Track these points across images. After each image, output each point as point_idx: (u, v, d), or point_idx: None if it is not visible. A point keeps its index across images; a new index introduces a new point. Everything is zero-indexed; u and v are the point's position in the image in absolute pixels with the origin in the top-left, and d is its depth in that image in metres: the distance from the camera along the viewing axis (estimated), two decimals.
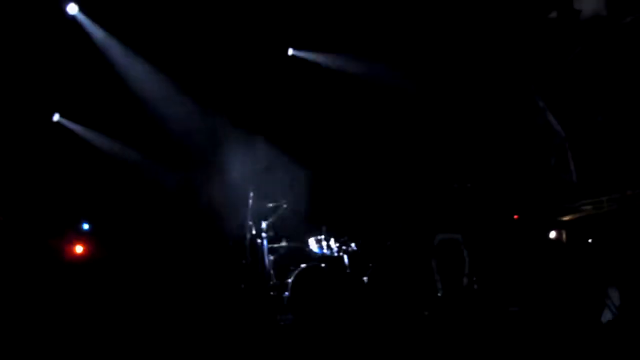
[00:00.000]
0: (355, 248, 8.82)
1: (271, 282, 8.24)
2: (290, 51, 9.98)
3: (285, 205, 8.70)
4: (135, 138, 9.06)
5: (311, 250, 8.70)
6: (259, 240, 8.31)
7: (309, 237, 8.74)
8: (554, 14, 8.56)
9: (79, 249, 8.63)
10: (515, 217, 9.08)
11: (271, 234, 8.56)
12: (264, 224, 8.35)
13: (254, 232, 8.35)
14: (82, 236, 8.73)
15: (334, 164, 9.86)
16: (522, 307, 8.16)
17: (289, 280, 8.06)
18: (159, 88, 8.89)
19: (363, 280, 8.59)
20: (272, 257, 8.42)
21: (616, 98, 8.56)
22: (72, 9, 8.52)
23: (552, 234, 8.92)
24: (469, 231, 9.10)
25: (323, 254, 8.68)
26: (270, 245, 8.44)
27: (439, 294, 8.79)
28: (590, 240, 8.66)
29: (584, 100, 8.72)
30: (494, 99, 9.24)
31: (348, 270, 8.62)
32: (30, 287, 8.12)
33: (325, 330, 7.83)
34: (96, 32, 8.53)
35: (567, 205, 8.78)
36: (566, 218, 8.93)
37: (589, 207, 8.70)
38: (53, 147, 8.60)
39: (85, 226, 8.82)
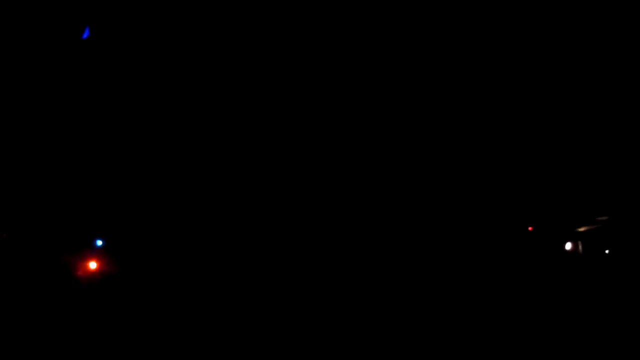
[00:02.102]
0: None
1: None
2: None
3: None
4: None
5: None
6: None
7: None
8: None
9: (92, 265, 8.40)
10: (530, 228, 9.18)
11: None
12: None
13: None
14: (95, 252, 8.49)
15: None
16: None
17: None
18: None
19: None
20: None
21: None
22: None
23: (568, 246, 9.07)
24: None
25: None
26: None
27: None
28: (607, 252, 8.87)
29: None
30: (506, 103, 9.31)
31: None
32: (42, 304, 7.95)
33: None
34: None
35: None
36: (582, 229, 9.10)
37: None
38: (66, 162, 8.36)
39: (99, 242, 8.58)
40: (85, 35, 8.53)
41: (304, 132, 9.47)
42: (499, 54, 9.30)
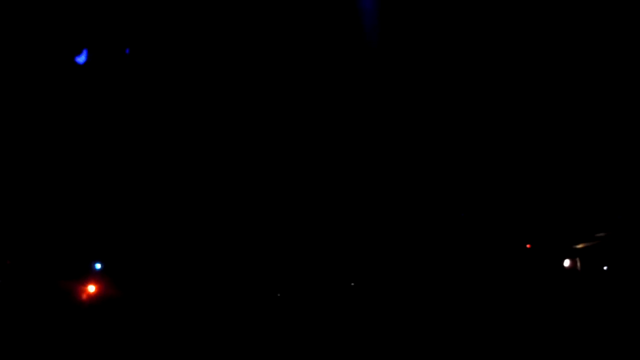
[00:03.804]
0: None
1: None
2: None
3: None
4: None
5: None
6: None
7: None
8: None
9: (91, 288, 8.42)
10: (528, 245, 9.18)
11: None
12: None
13: None
14: (94, 276, 8.51)
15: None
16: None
17: None
18: None
19: None
20: None
21: None
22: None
23: (567, 262, 9.07)
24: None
25: None
26: None
27: None
28: (605, 268, 8.87)
29: None
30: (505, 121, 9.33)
31: None
32: (42, 329, 7.97)
33: None
34: None
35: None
36: (580, 246, 9.10)
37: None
38: (65, 186, 8.41)
39: (98, 266, 8.60)
40: (82, 59, 8.60)
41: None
42: (496, 71, 9.34)
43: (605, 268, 8.86)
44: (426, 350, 8.24)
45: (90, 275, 8.46)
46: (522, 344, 8.14)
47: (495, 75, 9.38)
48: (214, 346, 8.41)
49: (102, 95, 8.85)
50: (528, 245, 9.17)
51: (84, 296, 8.36)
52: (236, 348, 8.42)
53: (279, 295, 8.97)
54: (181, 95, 9.18)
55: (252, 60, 9.28)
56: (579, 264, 9.01)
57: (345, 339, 8.22)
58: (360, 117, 9.53)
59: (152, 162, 9.07)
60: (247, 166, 9.43)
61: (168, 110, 9.15)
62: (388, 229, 9.28)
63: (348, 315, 8.66)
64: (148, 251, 8.75)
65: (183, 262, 8.88)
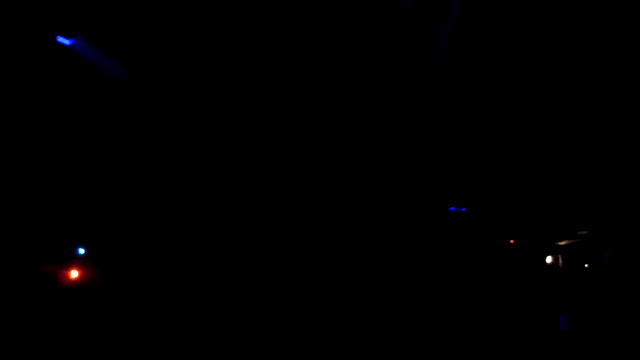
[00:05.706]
0: None
1: None
2: None
3: None
4: None
5: None
6: None
7: None
8: None
9: (74, 274, 8.36)
10: (512, 241, 9.27)
11: None
12: None
13: None
14: (77, 261, 8.44)
15: None
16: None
17: None
18: None
19: None
20: None
21: None
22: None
23: (549, 259, 9.17)
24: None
25: None
26: None
27: None
28: (586, 265, 8.98)
29: None
30: (490, 119, 9.40)
31: None
32: (24, 314, 7.92)
33: None
34: None
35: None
36: (562, 243, 9.21)
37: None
38: (47, 167, 8.34)
39: (81, 251, 8.53)
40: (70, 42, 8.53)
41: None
42: (480, 73, 9.39)
43: (586, 266, 8.97)
44: (411, 348, 8.29)
45: (73, 260, 8.40)
46: (502, 339, 8.22)
47: (479, 77, 9.45)
48: (200, 335, 8.39)
49: (82, 81, 8.79)
50: (512, 241, 9.26)
51: (66, 282, 8.30)
52: (224, 338, 8.41)
53: (268, 286, 8.96)
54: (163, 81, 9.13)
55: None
56: (560, 260, 9.11)
57: (343, 338, 8.25)
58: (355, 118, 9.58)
59: (138, 147, 9.01)
60: (235, 152, 9.41)
61: (148, 95, 9.10)
62: (377, 226, 9.32)
63: (345, 315, 8.67)
64: (133, 236, 8.70)
65: (170, 248, 8.83)
